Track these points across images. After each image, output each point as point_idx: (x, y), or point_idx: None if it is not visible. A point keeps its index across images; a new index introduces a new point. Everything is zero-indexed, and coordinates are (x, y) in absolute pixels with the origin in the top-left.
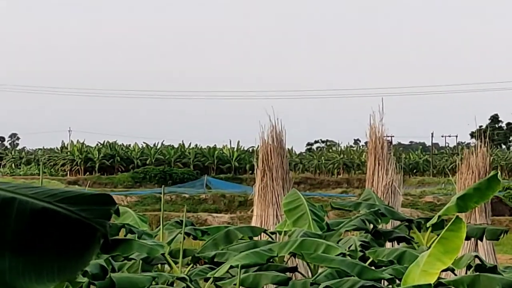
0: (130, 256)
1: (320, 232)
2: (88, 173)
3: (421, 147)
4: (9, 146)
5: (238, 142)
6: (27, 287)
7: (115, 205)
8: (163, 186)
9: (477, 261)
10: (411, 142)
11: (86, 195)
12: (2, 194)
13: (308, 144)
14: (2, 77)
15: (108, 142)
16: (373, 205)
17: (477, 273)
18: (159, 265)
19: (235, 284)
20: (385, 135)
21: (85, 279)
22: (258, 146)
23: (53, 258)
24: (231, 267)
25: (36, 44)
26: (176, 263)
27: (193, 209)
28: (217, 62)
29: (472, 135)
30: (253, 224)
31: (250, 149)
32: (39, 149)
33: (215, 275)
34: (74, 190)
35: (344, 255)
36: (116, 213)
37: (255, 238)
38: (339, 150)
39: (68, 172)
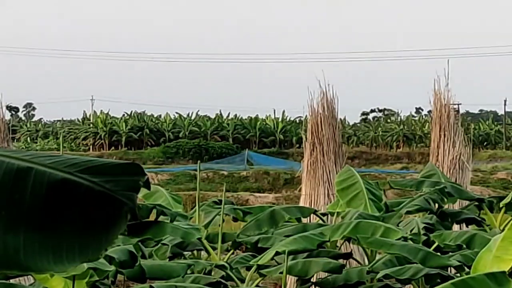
0: (163, 241)
1: (377, 214)
2: (113, 147)
3: (492, 116)
4: (23, 118)
5: (283, 111)
6: (44, 268)
7: (144, 176)
8: (198, 161)
9: None
10: (481, 110)
11: (111, 164)
12: (17, 164)
13: (363, 113)
14: (10, 38)
15: (135, 112)
16: (438, 182)
17: None
18: (195, 251)
19: (281, 273)
20: (452, 102)
21: (112, 267)
22: (306, 116)
23: (74, 235)
24: (277, 253)
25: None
26: (214, 248)
27: (232, 188)
28: (258, 23)
29: None
30: (301, 204)
31: (297, 120)
32: (58, 120)
33: (259, 263)
34: (98, 159)
35: (405, 239)
36: (146, 186)
37: (304, 220)
38: (399, 120)
39: (91, 147)
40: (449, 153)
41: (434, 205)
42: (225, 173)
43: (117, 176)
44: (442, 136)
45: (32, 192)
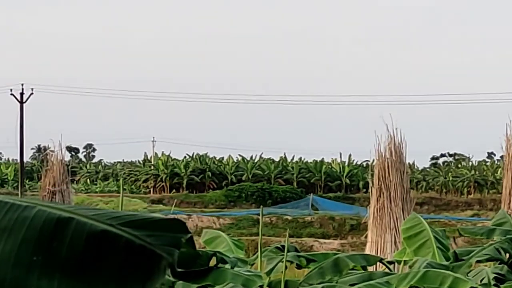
0: None
1: (446, 263)
2: (174, 190)
3: None
4: (83, 159)
5: (350, 155)
6: None
7: (187, 234)
8: (261, 206)
9: None
10: None
11: (155, 219)
12: (58, 214)
13: (433, 158)
14: (72, 78)
15: (197, 154)
16: (510, 231)
17: None
18: None
19: None
20: None
21: None
22: (373, 160)
23: (109, 286)
24: None
25: (111, 45)
26: None
27: (296, 234)
28: (324, 64)
29: None
30: (367, 251)
31: (364, 164)
32: (118, 162)
33: None
34: (142, 214)
35: None
36: (189, 244)
37: (370, 268)
38: (470, 165)
39: (152, 189)
40: None
41: (505, 254)
42: (289, 218)
43: (159, 231)
44: None
45: (71, 241)
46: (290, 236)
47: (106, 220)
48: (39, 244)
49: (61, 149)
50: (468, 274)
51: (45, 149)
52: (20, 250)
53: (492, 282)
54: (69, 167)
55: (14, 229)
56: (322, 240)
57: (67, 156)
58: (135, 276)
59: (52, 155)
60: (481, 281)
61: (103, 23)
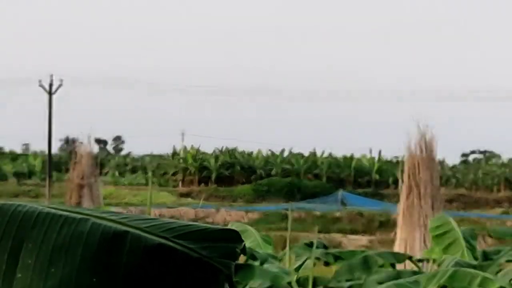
0: (251, 286)
1: (474, 262)
2: (203, 184)
3: None
4: (112, 151)
5: (380, 151)
6: None
7: (241, 242)
8: (290, 201)
9: None
10: None
11: (208, 230)
12: (114, 227)
13: (463, 155)
14: (101, 70)
15: (227, 148)
16: None
17: None
18: None
19: None
20: None
21: None
22: (403, 156)
23: None
24: None
25: (137, 34)
26: None
27: (325, 229)
28: (355, 57)
29: None
30: (396, 249)
31: (394, 160)
32: (147, 155)
33: None
34: (195, 224)
35: None
36: (242, 252)
37: (398, 266)
38: (501, 162)
39: (180, 183)
40: None
41: None
42: (318, 213)
43: (214, 242)
44: None
45: (128, 256)
46: (319, 231)
47: (160, 232)
48: (97, 261)
49: (90, 141)
50: (497, 274)
51: (73, 141)
52: (79, 270)
53: None
54: (98, 159)
55: (71, 247)
56: (350, 236)
57: (96, 149)
58: None
59: (80, 147)
60: (510, 281)
61: (133, 12)
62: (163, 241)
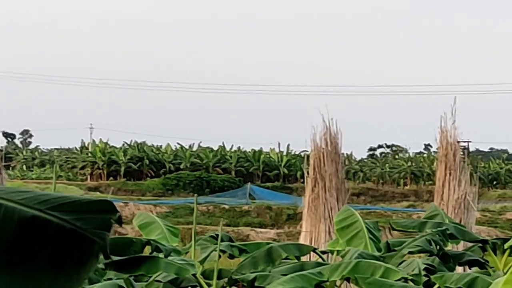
0: (156, 278)
1: (377, 253)
2: (112, 178)
3: (505, 155)
4: (20, 145)
5: (288, 145)
6: None
7: (116, 213)
8: (196, 194)
9: None
10: (491, 148)
11: (83, 201)
12: None
13: (371, 149)
14: (5, 64)
15: (135, 142)
16: (441, 223)
17: None
18: None
19: None
20: (459, 140)
21: None
22: (311, 151)
23: (43, 275)
24: None
25: (47, 27)
26: (209, 285)
27: (233, 223)
28: (265, 54)
29: None
30: (301, 241)
31: (303, 154)
32: (55, 149)
33: None
34: (69, 196)
35: (405, 280)
36: (118, 222)
37: (303, 258)
38: (407, 157)
39: (89, 177)
40: (454, 192)
41: (436, 246)
42: (226, 207)
43: (88, 213)
44: (448, 174)
45: (1, 230)
46: (227, 225)
47: (35, 204)
48: None
49: None
50: (400, 265)
51: None
52: None
53: (423, 273)
54: (3, 152)
55: None
56: (258, 230)
57: (3, 142)
58: (69, 263)
59: None
60: (412, 271)
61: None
62: (37, 213)
